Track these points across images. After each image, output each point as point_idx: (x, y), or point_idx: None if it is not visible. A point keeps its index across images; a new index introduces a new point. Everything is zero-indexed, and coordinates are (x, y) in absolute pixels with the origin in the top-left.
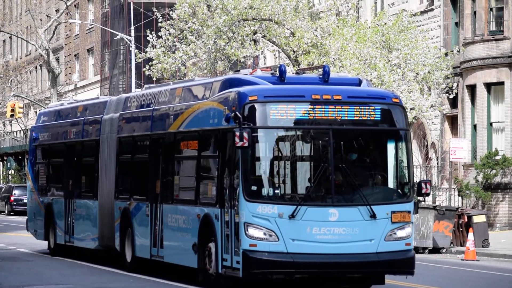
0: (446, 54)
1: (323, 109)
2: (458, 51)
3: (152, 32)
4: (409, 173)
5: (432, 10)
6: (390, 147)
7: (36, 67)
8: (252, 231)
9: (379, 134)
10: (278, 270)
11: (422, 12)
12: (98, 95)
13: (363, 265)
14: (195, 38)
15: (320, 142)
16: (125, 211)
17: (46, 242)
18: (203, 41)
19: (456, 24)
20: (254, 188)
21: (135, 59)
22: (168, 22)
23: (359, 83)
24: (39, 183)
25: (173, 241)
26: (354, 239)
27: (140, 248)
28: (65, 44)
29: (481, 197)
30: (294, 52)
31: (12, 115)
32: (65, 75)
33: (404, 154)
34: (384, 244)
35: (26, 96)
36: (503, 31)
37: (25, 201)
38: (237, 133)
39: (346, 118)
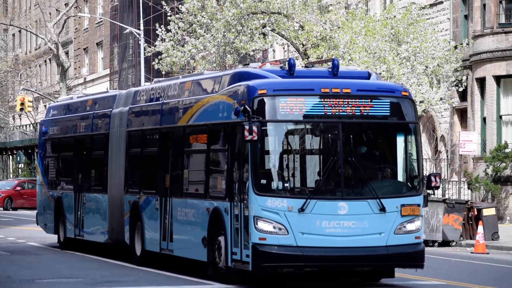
0: (456, 47)
1: (332, 103)
2: (468, 44)
3: (161, 26)
4: (418, 166)
5: (441, 2)
6: (400, 140)
7: (45, 61)
8: (261, 225)
9: (388, 127)
10: (287, 263)
11: (431, 5)
12: (107, 89)
13: (373, 259)
14: (204, 32)
15: (329, 135)
16: (135, 204)
17: (56, 236)
18: (212, 35)
19: (466, 16)
20: (263, 181)
21: (144, 53)
22: (177, 15)
23: (368, 76)
24: (48, 177)
25: (182, 234)
26: (363, 232)
27: (149, 242)
28: (74, 38)
29: (491, 190)
30: (303, 45)
31: (21, 109)
32: (75, 68)
33: (413, 147)
34: (394, 237)
35: (36, 90)
36: None
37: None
38: (247, 127)
39: (355, 111)
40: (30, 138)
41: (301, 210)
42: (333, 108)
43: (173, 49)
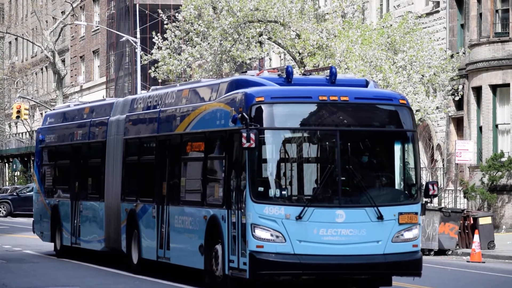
0: (452, 56)
1: (330, 110)
2: (464, 53)
3: (158, 34)
4: (416, 174)
5: (437, 12)
6: (397, 148)
7: (41, 69)
8: (259, 232)
9: (386, 135)
10: (285, 271)
11: (428, 14)
12: (104, 97)
13: (370, 267)
14: (201, 40)
15: (327, 143)
16: (132, 212)
17: (52, 244)
18: (208, 43)
19: (462, 26)
20: (261, 189)
21: (141, 61)
22: (174, 23)
23: (366, 84)
24: (45, 185)
25: (179, 242)
26: (361, 240)
27: (146, 250)
28: (71, 46)
29: (487, 199)
30: (299, 54)
31: (17, 117)
32: (71, 76)
33: (411, 155)
34: (391, 245)
35: (32, 98)
36: (508, 32)
37: None
38: (244, 134)
39: (353, 119)
40: (26, 146)
41: (299, 217)
42: (331, 116)
43: (170, 57)
